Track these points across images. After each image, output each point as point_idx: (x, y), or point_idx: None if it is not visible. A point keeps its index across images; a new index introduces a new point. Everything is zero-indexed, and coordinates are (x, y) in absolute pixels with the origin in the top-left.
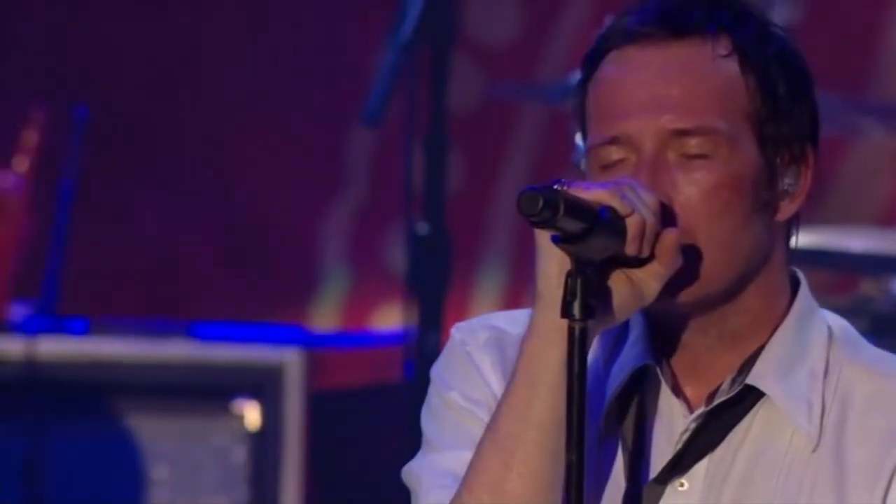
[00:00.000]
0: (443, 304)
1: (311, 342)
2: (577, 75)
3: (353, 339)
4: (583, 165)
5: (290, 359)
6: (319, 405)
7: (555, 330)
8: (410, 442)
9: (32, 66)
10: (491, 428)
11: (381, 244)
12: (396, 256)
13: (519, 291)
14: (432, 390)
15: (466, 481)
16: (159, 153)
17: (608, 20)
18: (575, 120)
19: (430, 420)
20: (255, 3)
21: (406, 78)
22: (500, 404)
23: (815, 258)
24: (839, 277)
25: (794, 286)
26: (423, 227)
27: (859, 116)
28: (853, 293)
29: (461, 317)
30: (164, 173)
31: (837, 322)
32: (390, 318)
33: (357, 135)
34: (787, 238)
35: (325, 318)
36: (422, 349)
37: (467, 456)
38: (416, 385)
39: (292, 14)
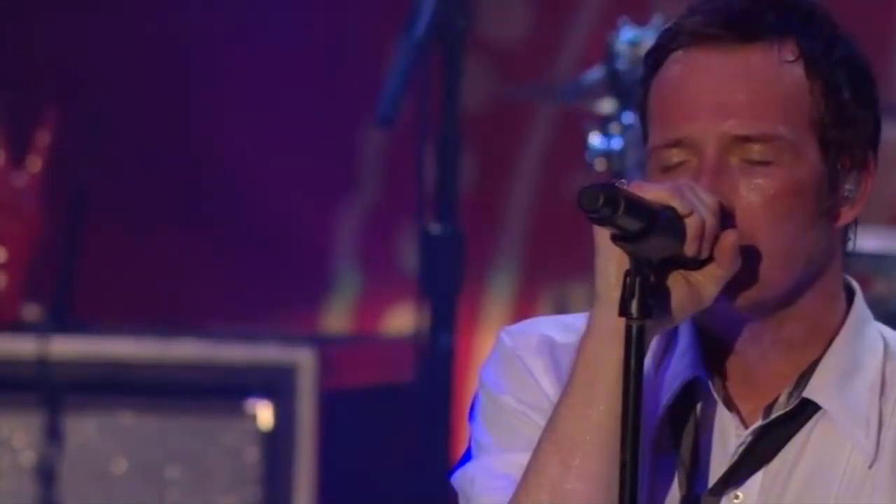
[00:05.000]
0: (455, 305)
1: (323, 342)
2: (590, 75)
3: (366, 340)
4: (600, 166)
5: (302, 359)
6: (332, 405)
7: (613, 330)
8: (422, 442)
9: (44, 66)
10: (549, 429)
11: (393, 244)
12: (409, 257)
13: (531, 291)
14: (483, 394)
15: (524, 482)
16: (169, 154)
17: (621, 19)
18: (638, 117)
19: (483, 424)
20: (267, 2)
21: (418, 78)
22: (559, 405)
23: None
24: (852, 277)
25: (849, 295)
26: (435, 228)
27: None
28: (866, 293)
29: (473, 317)
30: (175, 174)
31: (891, 334)
32: (403, 319)
33: (369, 135)
34: (845, 243)
35: (337, 318)
36: (434, 349)
37: (521, 459)
38: (428, 386)
39: (304, 14)
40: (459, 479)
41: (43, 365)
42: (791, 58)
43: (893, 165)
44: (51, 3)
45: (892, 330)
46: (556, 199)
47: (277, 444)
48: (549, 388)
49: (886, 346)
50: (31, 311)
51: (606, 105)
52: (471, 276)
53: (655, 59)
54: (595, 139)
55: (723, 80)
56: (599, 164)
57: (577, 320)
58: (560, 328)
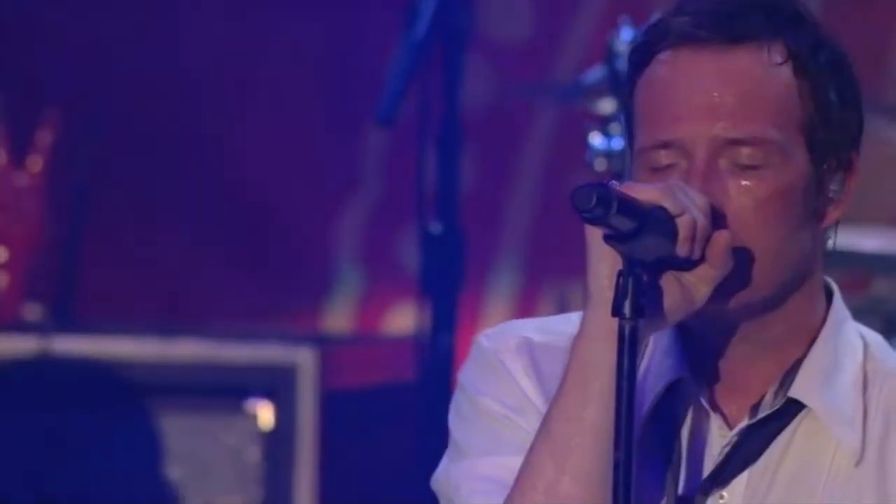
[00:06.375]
0: (456, 304)
1: (324, 342)
2: (590, 75)
3: (366, 339)
4: (601, 166)
5: (303, 358)
6: (333, 405)
7: (606, 330)
8: (422, 442)
9: (45, 66)
10: (542, 430)
11: (394, 244)
12: (409, 256)
13: (532, 291)
14: (462, 397)
15: (518, 485)
16: (170, 154)
17: (622, 20)
18: (622, 116)
19: (463, 427)
20: (267, 3)
21: (419, 78)
22: (552, 406)
23: (826, 258)
24: (851, 277)
25: (827, 294)
26: (436, 227)
27: (871, 116)
28: (865, 293)
29: (474, 317)
30: (176, 173)
31: (869, 333)
32: (403, 318)
33: (370, 135)
34: (825, 244)
35: (338, 318)
36: (435, 349)
37: (506, 461)
38: (429, 385)
39: (305, 14)
40: (442, 482)
41: (44, 364)
42: (780, 60)
43: (893, 165)
44: (51, 4)
45: (871, 331)
46: (557, 199)
47: (278, 444)
48: (530, 390)
49: (866, 345)
50: (32, 311)
51: (607, 105)
52: (471, 275)
53: (641, 57)
54: (595, 139)
55: (712, 83)
56: (600, 165)
57: (554, 322)
58: (537, 329)
